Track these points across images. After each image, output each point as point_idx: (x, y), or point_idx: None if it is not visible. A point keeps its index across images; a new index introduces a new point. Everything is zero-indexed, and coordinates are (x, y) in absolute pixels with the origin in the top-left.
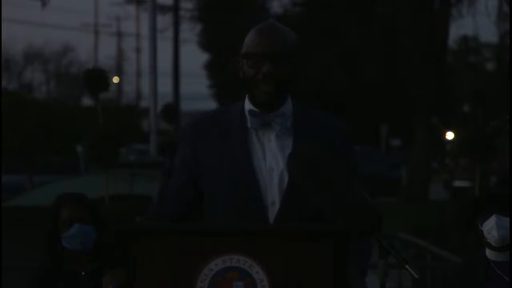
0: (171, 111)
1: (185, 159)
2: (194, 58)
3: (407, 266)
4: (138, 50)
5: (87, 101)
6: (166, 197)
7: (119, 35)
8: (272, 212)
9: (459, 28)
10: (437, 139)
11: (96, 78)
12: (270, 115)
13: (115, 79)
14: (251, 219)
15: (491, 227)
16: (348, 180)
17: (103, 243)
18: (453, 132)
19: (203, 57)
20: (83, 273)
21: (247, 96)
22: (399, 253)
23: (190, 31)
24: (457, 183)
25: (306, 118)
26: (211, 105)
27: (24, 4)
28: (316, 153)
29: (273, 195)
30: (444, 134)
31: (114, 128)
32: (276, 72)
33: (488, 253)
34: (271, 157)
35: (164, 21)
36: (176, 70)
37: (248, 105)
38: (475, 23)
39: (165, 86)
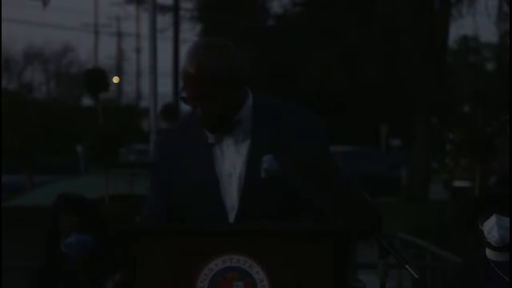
0: (171, 111)
1: (159, 170)
2: None
3: (407, 266)
4: (138, 50)
5: (87, 101)
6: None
7: (119, 35)
8: (232, 216)
9: (459, 28)
10: (437, 139)
11: (96, 78)
12: (225, 128)
13: (115, 79)
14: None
15: (491, 227)
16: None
17: (104, 245)
18: (453, 132)
19: None
20: (83, 274)
21: None
22: (399, 253)
23: (190, 31)
24: (457, 183)
25: (266, 118)
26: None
27: (24, 4)
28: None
29: (232, 200)
30: (445, 135)
31: (114, 128)
32: (200, 98)
33: (488, 253)
34: (230, 163)
35: (164, 21)
36: (176, 70)
37: None
38: (475, 23)
39: (165, 86)
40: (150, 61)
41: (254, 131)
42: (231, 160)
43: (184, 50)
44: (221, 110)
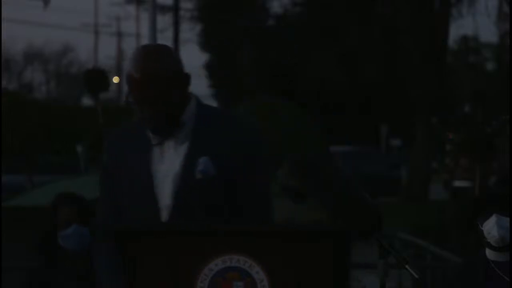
0: None
1: (106, 170)
2: (194, 58)
3: (407, 266)
4: None
5: (87, 101)
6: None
7: (119, 35)
8: (165, 215)
9: (459, 28)
10: (437, 139)
11: (96, 78)
12: (170, 129)
13: (115, 79)
14: (150, 223)
15: (491, 227)
16: (255, 195)
17: None
18: (453, 132)
19: (203, 57)
20: (78, 273)
21: None
22: (399, 253)
23: (190, 31)
24: (457, 183)
25: (208, 123)
26: (211, 105)
27: (24, 4)
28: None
29: (166, 200)
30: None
31: (114, 128)
32: (150, 99)
33: (488, 253)
34: (168, 164)
35: (164, 21)
36: None
37: None
38: (475, 23)
39: None
40: None
41: (194, 133)
42: (170, 161)
43: (184, 50)
44: (168, 109)
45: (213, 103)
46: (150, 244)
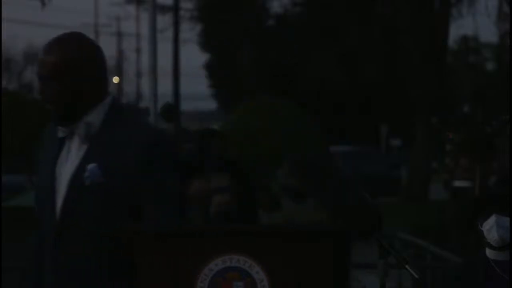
0: (171, 110)
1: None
2: (194, 58)
3: (407, 266)
4: (138, 50)
5: None
6: None
7: (119, 35)
8: (57, 218)
9: (459, 28)
10: (437, 139)
11: None
12: (72, 126)
13: (115, 79)
14: (47, 223)
15: (491, 227)
16: (159, 200)
17: None
18: (453, 132)
19: (203, 57)
20: None
21: None
22: (399, 253)
23: (190, 31)
24: (457, 183)
25: (115, 128)
26: (211, 105)
27: (24, 4)
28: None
29: (60, 201)
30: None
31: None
32: (47, 93)
33: (488, 252)
34: (70, 164)
35: (164, 21)
36: (176, 70)
37: None
38: (475, 23)
39: (165, 86)
40: (150, 61)
41: (97, 135)
42: (71, 162)
43: (184, 50)
44: (59, 103)
45: (213, 103)
46: (150, 244)
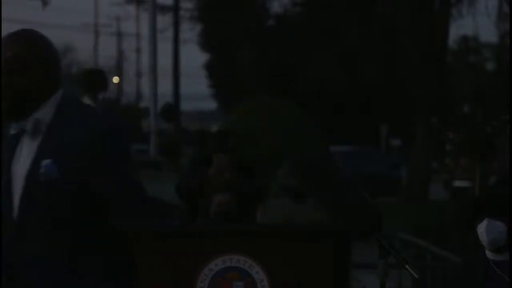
0: (171, 110)
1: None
2: (194, 58)
3: (407, 266)
4: (138, 50)
5: (86, 101)
6: None
7: (119, 35)
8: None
9: (459, 28)
10: (437, 139)
11: (95, 78)
12: (22, 123)
13: (115, 79)
14: (6, 220)
15: (482, 231)
16: (123, 190)
17: None
18: (453, 132)
19: (203, 57)
20: None
21: None
22: (399, 253)
23: (190, 31)
24: (457, 183)
25: (66, 122)
26: (211, 105)
27: (24, 4)
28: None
29: (17, 199)
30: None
31: None
32: None
33: (488, 252)
34: (23, 161)
35: (164, 21)
36: (176, 70)
37: None
38: (475, 23)
39: (165, 86)
40: (150, 61)
41: (48, 131)
42: (24, 159)
43: (184, 50)
44: (9, 93)
45: (213, 103)
46: (150, 244)
